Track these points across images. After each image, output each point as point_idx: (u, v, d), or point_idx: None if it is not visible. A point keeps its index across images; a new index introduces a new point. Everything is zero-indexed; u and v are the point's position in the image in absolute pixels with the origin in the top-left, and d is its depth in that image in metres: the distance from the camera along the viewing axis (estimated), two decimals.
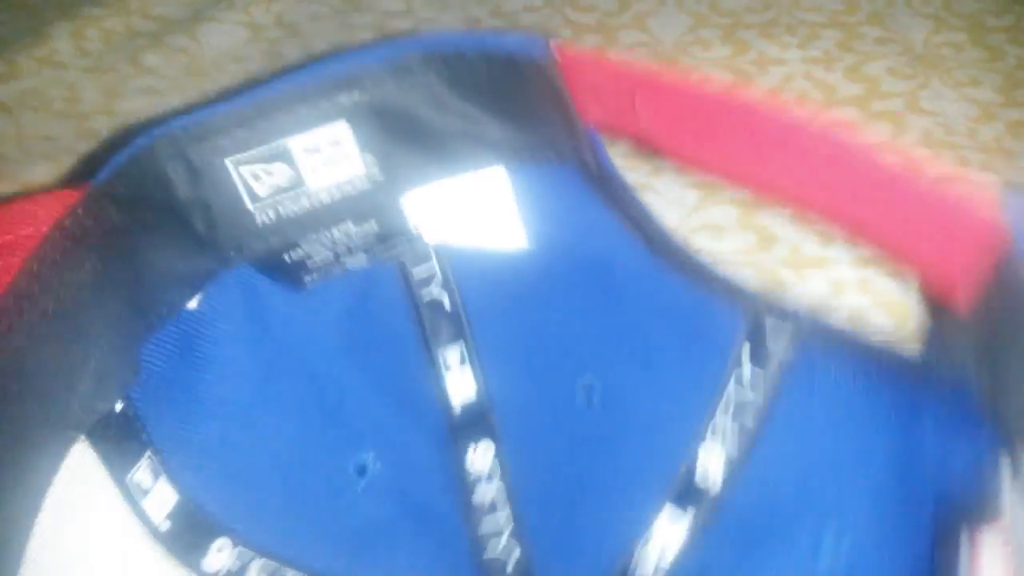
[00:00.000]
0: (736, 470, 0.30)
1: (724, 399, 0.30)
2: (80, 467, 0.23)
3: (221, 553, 0.27)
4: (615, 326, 0.31)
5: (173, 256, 0.25)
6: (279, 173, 0.27)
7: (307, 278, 0.29)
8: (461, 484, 0.33)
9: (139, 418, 0.25)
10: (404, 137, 0.28)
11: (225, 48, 0.55)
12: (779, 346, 0.29)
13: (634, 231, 0.30)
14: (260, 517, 0.28)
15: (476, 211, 0.30)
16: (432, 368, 0.32)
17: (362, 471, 0.31)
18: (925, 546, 0.24)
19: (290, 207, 0.27)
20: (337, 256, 0.29)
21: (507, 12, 0.53)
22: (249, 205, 0.27)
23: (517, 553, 0.33)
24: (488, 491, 0.33)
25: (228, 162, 0.26)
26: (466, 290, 0.32)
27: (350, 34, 0.52)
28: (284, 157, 0.26)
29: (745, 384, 0.30)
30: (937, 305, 0.22)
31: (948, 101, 0.52)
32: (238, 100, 0.26)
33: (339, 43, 0.52)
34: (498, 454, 0.33)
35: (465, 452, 0.33)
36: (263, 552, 0.28)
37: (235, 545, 0.27)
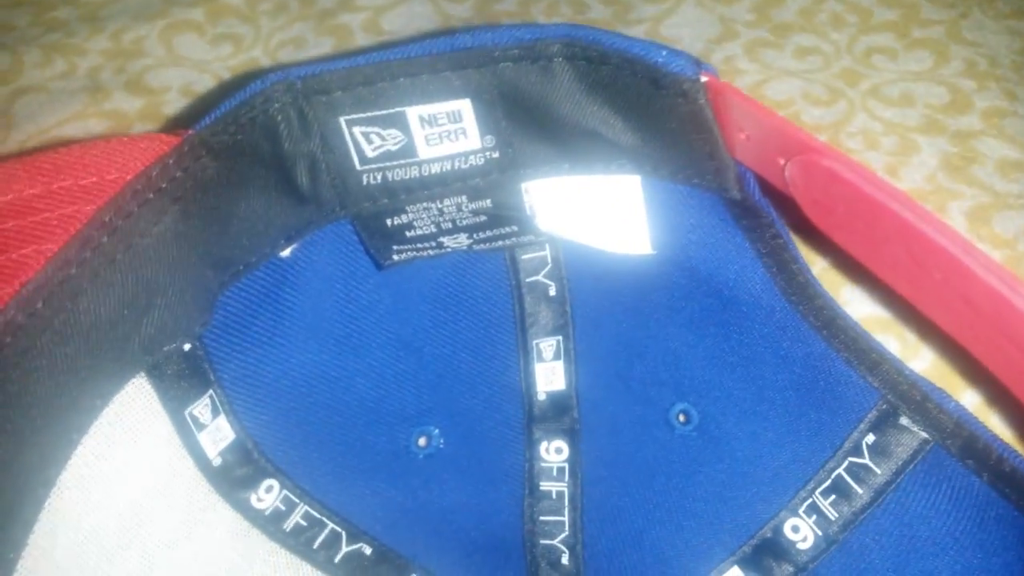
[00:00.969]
0: (819, 558, 0.27)
1: (829, 482, 0.27)
2: (134, 398, 0.24)
3: (270, 493, 0.28)
4: (727, 361, 0.29)
5: (269, 209, 0.25)
6: (392, 139, 0.25)
7: (401, 249, 0.28)
8: (525, 478, 0.32)
9: (208, 357, 0.26)
10: (530, 125, 0.26)
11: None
12: (908, 447, 0.26)
13: (774, 273, 0.26)
14: (313, 466, 0.29)
15: (601, 213, 0.27)
16: (523, 355, 0.31)
17: (424, 444, 0.31)
18: None
19: (398, 174, 0.26)
20: (440, 230, 0.27)
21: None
22: (357, 165, 0.26)
23: (566, 560, 0.32)
24: (551, 492, 0.32)
25: (343, 120, 0.25)
26: (576, 285, 0.30)
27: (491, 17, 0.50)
28: (400, 124, 0.25)
29: (857, 475, 0.27)
30: None
31: (990, 32, 0.47)
32: (362, 58, 0.24)
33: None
34: (571, 457, 0.32)
35: (537, 447, 0.32)
36: (309, 499, 0.29)
37: (283, 488, 0.28)
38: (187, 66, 0.47)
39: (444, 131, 0.25)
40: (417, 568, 0.31)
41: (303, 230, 0.26)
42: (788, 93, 0.44)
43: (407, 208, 0.27)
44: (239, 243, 0.25)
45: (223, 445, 0.27)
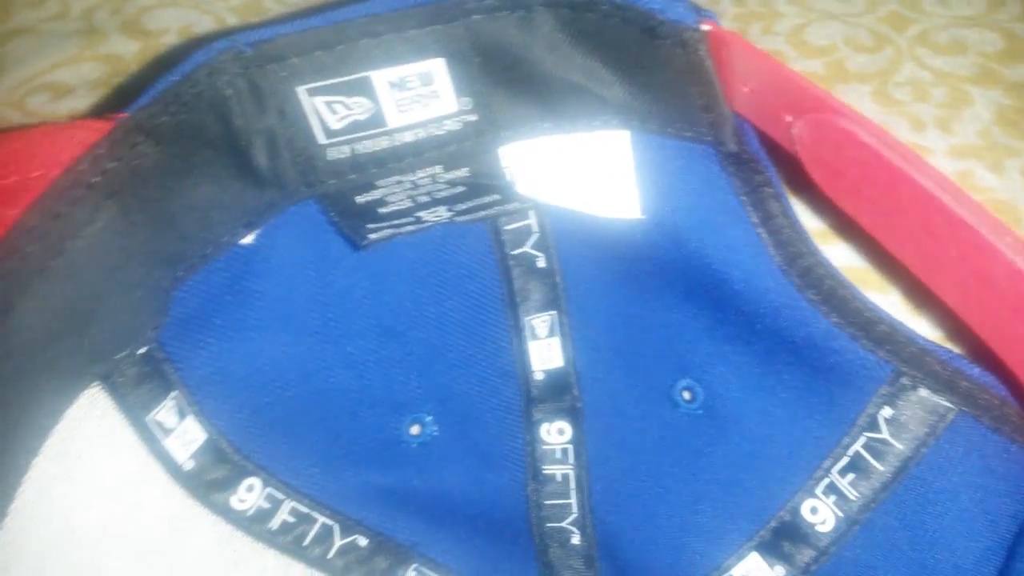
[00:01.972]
0: (841, 540, 0.26)
1: (847, 460, 0.25)
2: (89, 411, 0.22)
3: (251, 492, 0.26)
4: (728, 335, 0.26)
5: (223, 195, 0.23)
6: (358, 108, 0.23)
7: (377, 228, 0.25)
8: (527, 462, 0.30)
9: (167, 358, 0.24)
10: (511, 83, 0.23)
11: None
12: (929, 418, 0.24)
13: (768, 242, 0.24)
14: (297, 460, 0.27)
15: (587, 173, 0.25)
16: (515, 334, 0.29)
17: (417, 432, 0.29)
18: None
19: (368, 145, 0.23)
20: (417, 204, 0.25)
21: None
22: (321, 139, 0.23)
23: (577, 540, 0.30)
24: (556, 475, 0.30)
25: (302, 90, 0.22)
26: (566, 255, 0.28)
27: None
28: (366, 90, 0.23)
29: (876, 451, 0.25)
30: None
31: None
32: (318, 19, 0.22)
33: None
34: (574, 438, 0.30)
35: (538, 430, 0.30)
36: (295, 494, 0.27)
37: (266, 486, 0.27)
38: (186, 6, 0.45)
39: (415, 95, 0.23)
40: (418, 556, 0.29)
41: (264, 214, 0.24)
42: (830, 38, 0.41)
43: (377, 183, 0.24)
44: (191, 235, 0.22)
45: (194, 447, 0.25)
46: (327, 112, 0.23)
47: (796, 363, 0.25)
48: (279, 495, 0.27)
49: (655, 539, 0.29)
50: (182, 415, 0.24)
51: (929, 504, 0.24)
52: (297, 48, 0.22)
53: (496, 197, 0.26)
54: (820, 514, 0.26)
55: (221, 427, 0.25)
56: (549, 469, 0.30)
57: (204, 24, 0.44)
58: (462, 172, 0.25)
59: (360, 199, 0.25)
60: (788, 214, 0.23)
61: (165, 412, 0.24)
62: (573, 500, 0.30)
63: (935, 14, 0.41)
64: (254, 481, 0.26)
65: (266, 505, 0.27)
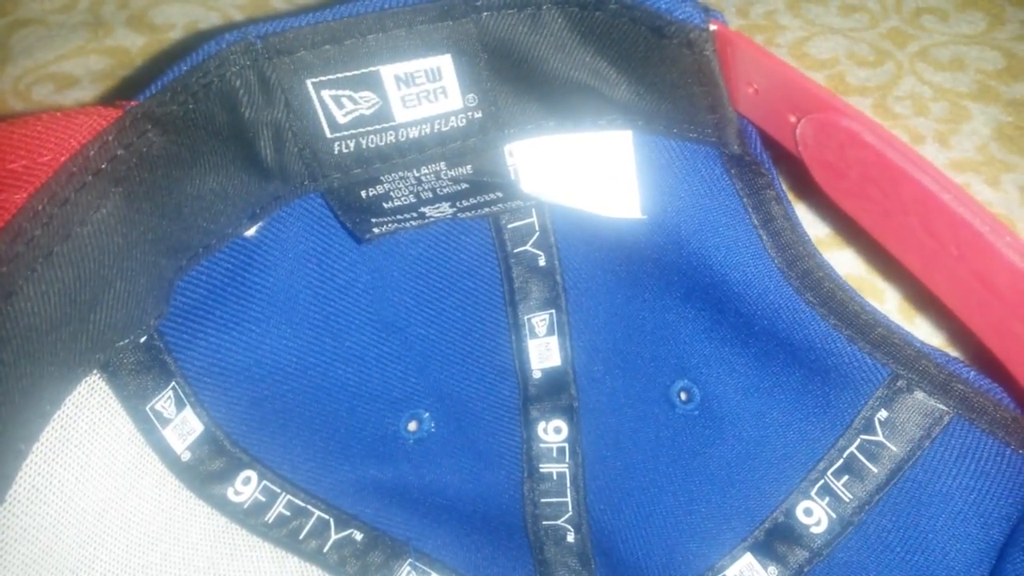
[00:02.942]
0: (834, 542, 0.26)
1: (842, 462, 0.25)
2: (89, 399, 0.22)
3: (248, 485, 0.26)
4: (726, 337, 0.27)
5: (228, 185, 0.23)
6: (365, 102, 0.23)
7: (380, 223, 0.25)
8: (523, 460, 0.30)
9: (167, 348, 0.24)
10: (517, 81, 0.23)
11: None
12: (924, 421, 0.24)
13: (768, 244, 0.24)
14: (294, 454, 0.27)
15: (590, 173, 0.25)
16: (514, 332, 0.29)
17: (415, 428, 0.29)
18: None
19: (373, 140, 0.24)
20: (420, 200, 0.25)
21: None
22: (328, 133, 0.23)
23: (571, 538, 0.30)
24: (552, 474, 0.30)
25: (310, 83, 0.22)
26: (566, 254, 0.28)
27: None
28: (374, 85, 0.23)
29: (871, 453, 0.25)
30: None
31: None
32: (329, 12, 0.22)
33: None
34: (571, 437, 0.30)
35: (535, 428, 0.30)
36: (292, 488, 0.27)
37: (262, 479, 0.26)
38: (193, 2, 0.45)
39: (422, 91, 0.23)
40: (413, 551, 0.29)
41: (269, 207, 0.24)
42: (832, 52, 0.41)
43: (382, 178, 0.25)
44: (195, 225, 0.22)
45: (191, 439, 0.25)
46: (334, 106, 0.23)
47: (793, 365, 0.26)
48: (275, 488, 0.27)
49: (650, 538, 0.29)
50: (180, 406, 0.24)
51: (923, 506, 0.24)
52: (306, 41, 0.22)
53: (499, 194, 0.26)
54: (814, 515, 0.26)
55: (219, 418, 0.25)
56: (545, 467, 0.30)
57: (210, 20, 0.44)
58: (466, 169, 0.25)
59: (364, 194, 0.25)
60: (789, 216, 0.24)
61: (164, 402, 0.24)
62: (569, 498, 0.30)
63: (936, 31, 0.42)
64: (250, 474, 0.26)
65: (262, 498, 0.27)
